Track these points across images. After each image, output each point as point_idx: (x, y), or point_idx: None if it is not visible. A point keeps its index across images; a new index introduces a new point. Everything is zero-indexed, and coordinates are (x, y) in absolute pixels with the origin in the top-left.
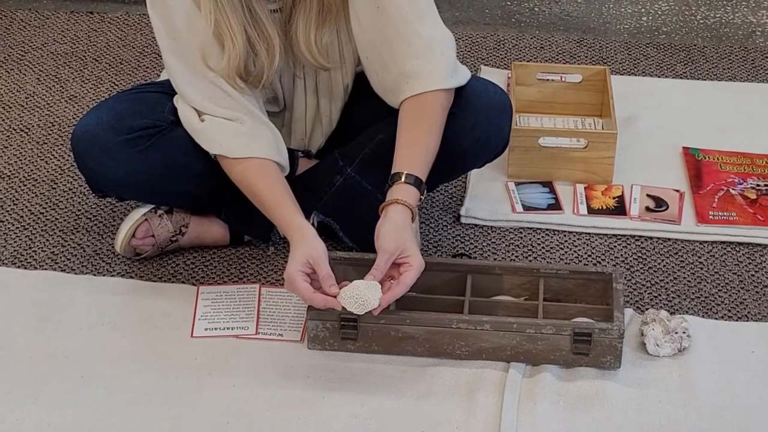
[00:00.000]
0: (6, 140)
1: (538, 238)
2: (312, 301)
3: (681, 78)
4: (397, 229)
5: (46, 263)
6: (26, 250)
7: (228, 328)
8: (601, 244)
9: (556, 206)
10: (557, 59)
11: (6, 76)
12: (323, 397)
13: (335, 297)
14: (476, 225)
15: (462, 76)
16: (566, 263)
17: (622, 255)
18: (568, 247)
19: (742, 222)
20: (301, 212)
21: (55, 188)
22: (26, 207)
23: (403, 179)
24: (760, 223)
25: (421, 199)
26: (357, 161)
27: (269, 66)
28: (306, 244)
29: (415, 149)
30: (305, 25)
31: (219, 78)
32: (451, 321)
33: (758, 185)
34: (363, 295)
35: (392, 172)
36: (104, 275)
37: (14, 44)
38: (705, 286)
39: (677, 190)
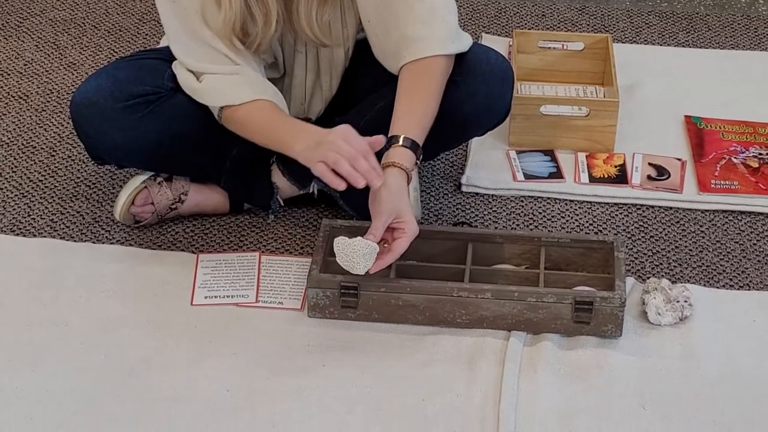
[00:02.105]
0: (4, 107)
1: (540, 207)
2: (356, 160)
3: (683, 46)
4: (392, 192)
5: (45, 231)
6: (25, 217)
7: (228, 296)
8: (602, 212)
9: (557, 175)
10: (559, 27)
11: (4, 42)
12: (323, 366)
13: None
14: (477, 193)
15: (463, 42)
16: (567, 232)
17: (623, 224)
18: (569, 215)
19: (744, 191)
20: None
21: (53, 155)
22: (25, 174)
23: (400, 142)
24: (762, 191)
25: (416, 162)
26: (357, 129)
27: (264, 33)
28: (334, 129)
29: (413, 113)
30: (307, 1)
31: (217, 40)
32: (451, 289)
33: (760, 154)
34: (355, 259)
35: (389, 135)
36: (103, 243)
37: (12, 11)
38: (707, 254)
39: (679, 159)
